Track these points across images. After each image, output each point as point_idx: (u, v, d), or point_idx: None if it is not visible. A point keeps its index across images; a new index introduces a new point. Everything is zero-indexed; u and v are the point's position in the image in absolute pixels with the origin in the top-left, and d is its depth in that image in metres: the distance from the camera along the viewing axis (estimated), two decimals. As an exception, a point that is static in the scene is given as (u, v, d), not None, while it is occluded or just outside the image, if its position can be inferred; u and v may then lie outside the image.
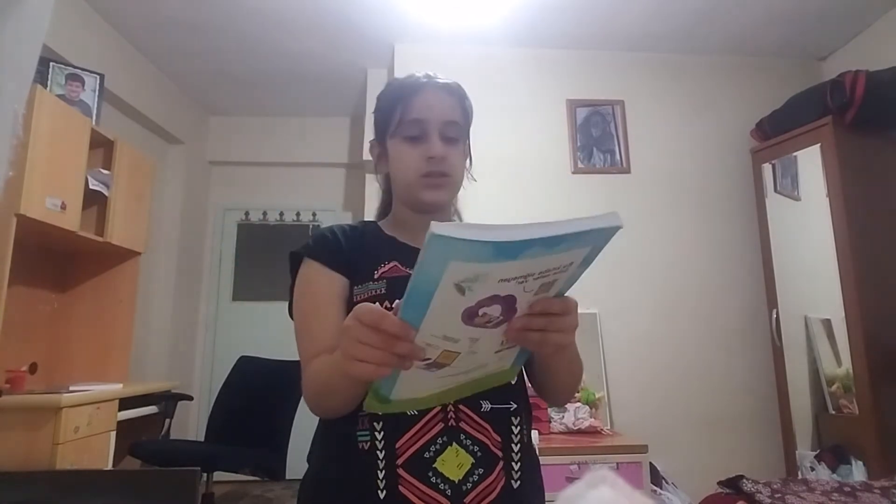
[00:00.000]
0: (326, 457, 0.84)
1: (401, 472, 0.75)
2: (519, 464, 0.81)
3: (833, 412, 2.78)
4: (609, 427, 2.77)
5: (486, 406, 0.80)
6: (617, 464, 2.26)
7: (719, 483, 2.04)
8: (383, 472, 0.76)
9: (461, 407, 0.79)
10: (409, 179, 0.89)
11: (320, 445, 0.87)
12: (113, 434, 2.58)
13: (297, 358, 0.83)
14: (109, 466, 2.54)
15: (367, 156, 3.55)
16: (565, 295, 0.61)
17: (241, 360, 3.33)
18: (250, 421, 3.00)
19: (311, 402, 0.79)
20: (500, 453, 0.79)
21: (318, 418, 0.87)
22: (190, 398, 3.44)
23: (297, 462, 2.66)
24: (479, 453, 0.78)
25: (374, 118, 0.95)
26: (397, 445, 0.76)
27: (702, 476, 2.46)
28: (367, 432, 0.78)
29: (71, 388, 2.46)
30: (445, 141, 0.88)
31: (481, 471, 0.77)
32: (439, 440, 0.77)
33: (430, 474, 0.75)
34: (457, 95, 0.92)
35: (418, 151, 0.87)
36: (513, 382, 0.83)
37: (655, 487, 2.50)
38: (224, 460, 2.81)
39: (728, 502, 1.89)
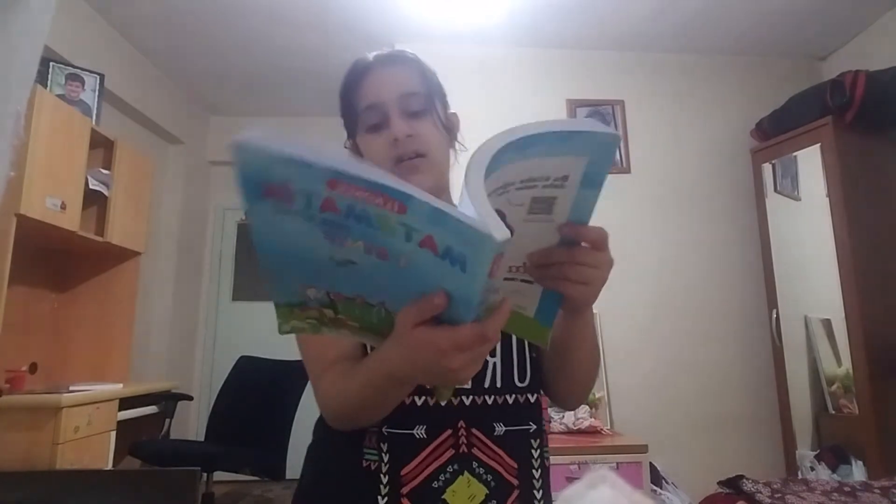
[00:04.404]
0: (325, 469, 0.79)
1: (405, 502, 0.69)
2: (541, 491, 0.74)
3: (833, 412, 2.78)
4: (609, 427, 2.76)
5: (500, 429, 0.74)
6: (617, 464, 2.25)
7: (719, 483, 2.04)
8: (385, 499, 0.69)
9: (474, 431, 0.73)
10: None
11: (319, 456, 0.82)
12: (113, 434, 2.58)
13: (298, 358, 0.81)
14: (109, 466, 2.54)
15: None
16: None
17: (241, 360, 3.33)
18: (250, 421, 2.99)
19: (341, 415, 0.71)
20: (515, 481, 0.73)
21: (317, 418, 0.85)
22: (190, 398, 3.44)
23: (297, 462, 2.66)
24: (492, 483, 0.71)
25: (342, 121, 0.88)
26: (403, 472, 0.70)
27: (702, 476, 2.46)
28: (375, 452, 0.72)
29: (71, 388, 2.45)
30: (409, 116, 0.79)
31: (495, 502, 0.71)
32: (449, 468, 0.70)
33: None
34: (409, 64, 0.83)
35: (383, 139, 0.79)
36: (544, 347, 0.72)
37: (655, 487, 2.49)
38: (224, 460, 2.81)
39: (728, 502, 1.89)
